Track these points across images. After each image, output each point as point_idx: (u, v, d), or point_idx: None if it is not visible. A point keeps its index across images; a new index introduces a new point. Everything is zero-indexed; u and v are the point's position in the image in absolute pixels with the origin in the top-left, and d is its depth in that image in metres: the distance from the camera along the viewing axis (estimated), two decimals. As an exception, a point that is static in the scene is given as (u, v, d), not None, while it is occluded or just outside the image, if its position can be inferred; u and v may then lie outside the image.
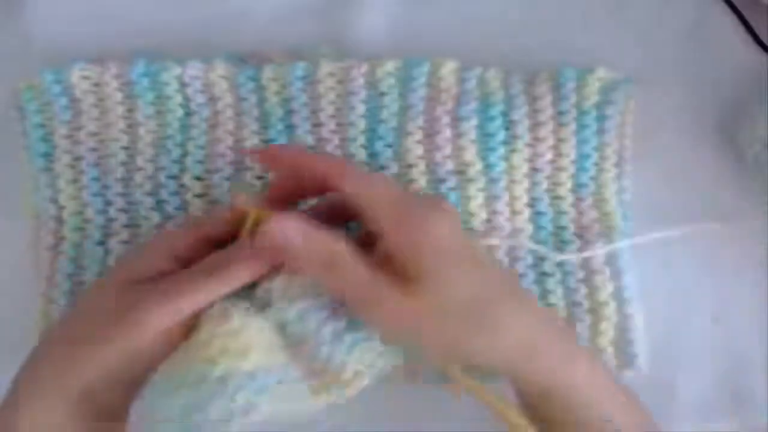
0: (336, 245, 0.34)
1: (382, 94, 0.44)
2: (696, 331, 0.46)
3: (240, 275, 0.35)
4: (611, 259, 0.44)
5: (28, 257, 0.45)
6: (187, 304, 0.34)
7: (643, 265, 0.45)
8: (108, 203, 0.44)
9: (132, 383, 0.36)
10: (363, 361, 0.36)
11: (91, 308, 0.36)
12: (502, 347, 0.34)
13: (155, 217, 0.44)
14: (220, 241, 0.37)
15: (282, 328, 0.35)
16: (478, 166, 0.44)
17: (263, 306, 0.35)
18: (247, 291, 0.36)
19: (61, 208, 0.44)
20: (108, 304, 0.35)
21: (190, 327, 0.35)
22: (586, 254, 0.44)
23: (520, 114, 0.44)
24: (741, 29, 0.48)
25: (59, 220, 0.44)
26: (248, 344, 0.34)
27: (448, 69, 0.44)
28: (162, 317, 0.34)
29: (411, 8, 0.48)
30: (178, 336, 0.35)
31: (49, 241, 0.44)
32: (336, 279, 0.34)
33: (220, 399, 0.33)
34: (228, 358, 0.33)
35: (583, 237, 0.44)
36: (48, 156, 0.44)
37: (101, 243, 0.44)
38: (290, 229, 0.34)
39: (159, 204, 0.44)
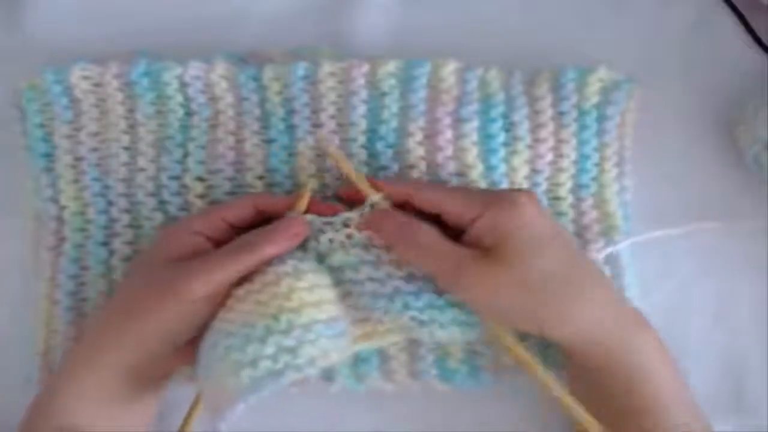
0: (429, 229, 0.39)
1: (383, 94, 0.44)
2: (696, 330, 0.46)
3: (265, 253, 0.39)
4: (611, 259, 0.44)
5: (29, 258, 0.45)
6: (225, 275, 0.38)
7: (643, 265, 0.45)
8: (110, 204, 0.44)
9: (180, 346, 0.39)
10: (399, 319, 0.39)
11: (139, 284, 0.40)
12: (575, 322, 0.37)
13: (158, 218, 0.44)
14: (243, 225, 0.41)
15: (336, 281, 0.40)
16: (479, 168, 0.44)
17: (320, 259, 0.40)
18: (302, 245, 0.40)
19: (63, 208, 0.44)
20: (155, 279, 0.39)
21: (227, 291, 0.39)
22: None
23: (520, 115, 0.44)
24: (741, 29, 0.48)
25: (60, 221, 0.44)
26: (321, 298, 0.38)
27: (449, 69, 0.44)
28: (205, 285, 0.37)
29: (412, 8, 0.48)
30: (216, 301, 0.39)
31: (50, 241, 0.44)
32: (430, 256, 0.38)
33: (306, 344, 0.36)
34: (309, 308, 0.37)
35: (583, 237, 0.44)
36: (49, 156, 0.44)
37: (105, 244, 0.44)
38: (396, 216, 0.40)
39: (161, 204, 0.44)
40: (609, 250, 0.44)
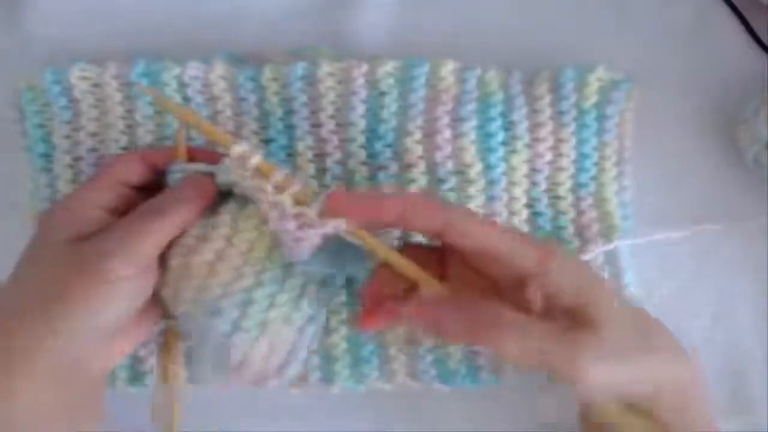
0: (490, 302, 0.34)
1: (382, 94, 0.44)
2: (696, 330, 0.46)
3: (190, 213, 0.36)
4: (611, 259, 0.44)
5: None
6: (150, 247, 0.35)
7: (643, 265, 0.45)
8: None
9: (111, 331, 0.36)
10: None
11: (47, 273, 0.35)
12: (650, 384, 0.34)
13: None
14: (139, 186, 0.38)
15: None
16: (478, 167, 0.44)
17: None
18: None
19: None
20: (65, 264, 0.35)
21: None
22: (587, 256, 0.43)
23: (519, 114, 0.44)
24: (741, 29, 0.48)
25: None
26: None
27: (448, 69, 0.44)
28: (126, 263, 0.34)
29: (411, 8, 0.48)
30: (146, 276, 0.36)
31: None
32: (519, 347, 0.32)
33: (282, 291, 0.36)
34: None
35: (582, 236, 0.44)
36: (47, 156, 0.44)
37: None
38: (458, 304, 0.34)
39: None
40: (604, 248, 0.43)
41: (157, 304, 0.38)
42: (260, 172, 0.36)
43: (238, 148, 0.36)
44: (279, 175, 0.35)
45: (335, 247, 0.36)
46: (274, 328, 0.36)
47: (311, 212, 0.35)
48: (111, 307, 0.35)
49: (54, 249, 0.35)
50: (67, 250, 0.35)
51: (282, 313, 0.36)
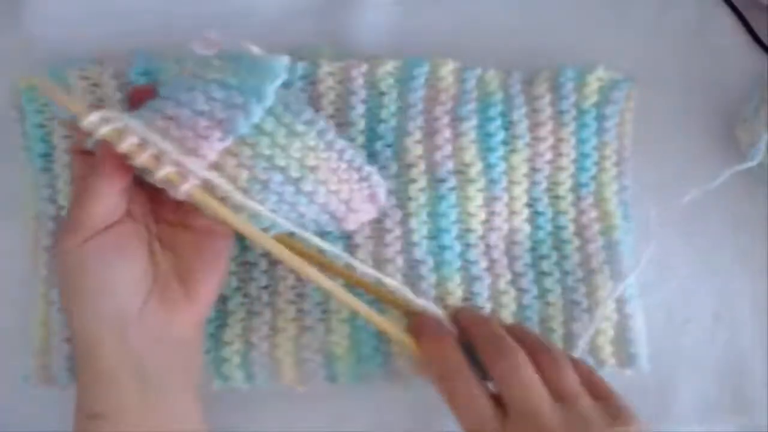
0: None
1: (382, 93, 0.44)
2: (696, 330, 0.46)
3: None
4: (609, 258, 0.44)
5: (26, 257, 0.45)
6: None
7: (642, 264, 0.45)
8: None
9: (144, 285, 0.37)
10: None
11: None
12: None
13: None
14: None
15: None
16: (479, 166, 0.44)
17: None
18: None
19: (60, 208, 0.44)
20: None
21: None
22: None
23: (519, 114, 0.44)
24: (741, 29, 0.48)
25: (58, 221, 0.44)
26: None
27: (448, 69, 0.44)
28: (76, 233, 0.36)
29: (411, 8, 0.48)
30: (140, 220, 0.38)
31: (48, 241, 0.44)
32: None
33: None
34: None
35: (582, 236, 0.44)
36: (47, 156, 0.44)
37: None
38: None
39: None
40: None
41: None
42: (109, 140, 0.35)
43: (91, 118, 0.35)
44: (129, 141, 0.35)
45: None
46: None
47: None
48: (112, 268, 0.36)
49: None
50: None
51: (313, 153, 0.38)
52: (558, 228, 0.45)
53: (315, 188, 0.38)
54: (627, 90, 0.44)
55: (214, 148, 0.36)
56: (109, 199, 0.36)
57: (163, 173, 0.35)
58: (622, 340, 0.43)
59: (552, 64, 0.45)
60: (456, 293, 0.43)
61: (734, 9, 0.48)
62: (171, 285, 0.38)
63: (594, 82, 0.44)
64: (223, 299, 0.43)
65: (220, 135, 0.36)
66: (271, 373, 0.43)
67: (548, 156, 0.44)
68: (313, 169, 0.38)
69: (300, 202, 0.38)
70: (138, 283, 0.37)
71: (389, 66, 0.44)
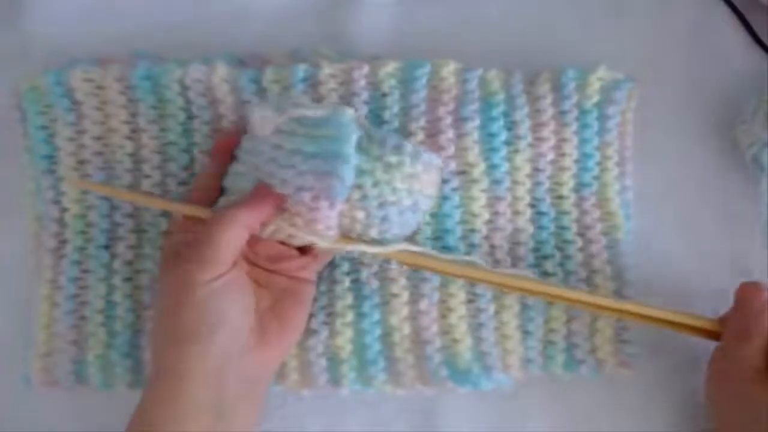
0: None
1: (384, 95, 0.44)
2: (696, 330, 0.46)
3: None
4: (612, 258, 0.44)
5: (29, 259, 0.45)
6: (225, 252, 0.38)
7: (643, 264, 0.45)
8: (114, 207, 0.44)
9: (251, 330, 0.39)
10: None
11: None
12: None
13: (163, 223, 0.44)
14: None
15: None
16: (482, 167, 0.44)
17: None
18: None
19: (64, 210, 0.44)
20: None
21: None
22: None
23: (521, 114, 0.44)
24: (741, 29, 0.48)
25: (62, 223, 0.44)
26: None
27: (450, 70, 0.44)
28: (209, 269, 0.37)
29: (412, 8, 0.48)
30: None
31: (51, 243, 0.44)
32: None
33: None
34: None
35: (585, 236, 0.44)
36: (50, 158, 0.44)
37: (106, 247, 0.44)
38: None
39: (166, 210, 0.44)
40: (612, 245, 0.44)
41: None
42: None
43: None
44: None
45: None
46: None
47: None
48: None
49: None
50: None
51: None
52: (561, 228, 0.45)
53: (425, 203, 0.41)
54: (628, 90, 0.44)
55: (330, 216, 0.38)
56: (244, 238, 0.38)
57: (301, 242, 0.40)
58: (622, 339, 0.43)
59: (553, 64, 0.45)
60: (459, 295, 0.43)
61: (734, 9, 0.48)
62: (269, 323, 0.39)
63: (595, 82, 0.44)
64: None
65: (327, 203, 0.38)
66: (276, 375, 0.43)
67: (550, 156, 0.44)
68: (419, 190, 0.40)
69: (417, 218, 0.42)
70: (246, 321, 0.38)
71: (391, 67, 0.44)
